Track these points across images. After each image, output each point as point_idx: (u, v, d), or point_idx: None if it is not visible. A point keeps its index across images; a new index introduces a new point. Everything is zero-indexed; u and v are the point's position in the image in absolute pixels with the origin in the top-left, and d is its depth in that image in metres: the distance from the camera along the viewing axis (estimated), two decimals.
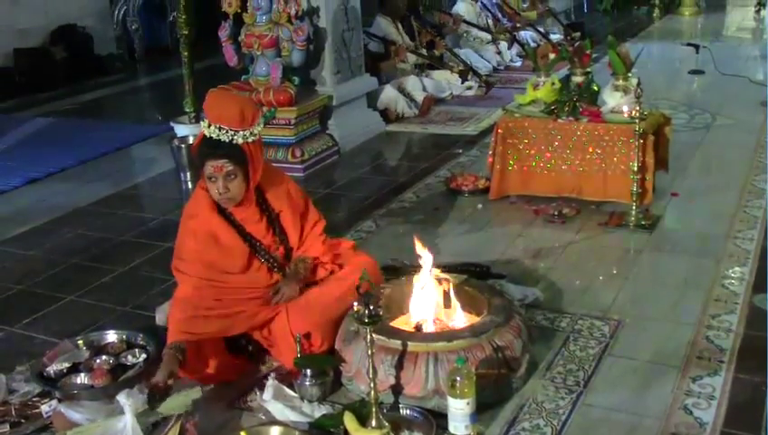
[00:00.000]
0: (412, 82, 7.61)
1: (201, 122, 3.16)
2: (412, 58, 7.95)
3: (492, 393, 2.89)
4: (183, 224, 3.30)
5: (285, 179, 3.44)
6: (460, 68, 8.20)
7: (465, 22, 9.29)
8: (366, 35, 7.60)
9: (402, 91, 7.43)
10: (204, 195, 3.22)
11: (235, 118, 3.07)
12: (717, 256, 4.09)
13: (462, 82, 8.10)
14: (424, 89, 7.63)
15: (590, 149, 4.75)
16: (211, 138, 3.08)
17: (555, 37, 9.98)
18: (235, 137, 3.06)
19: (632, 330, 3.43)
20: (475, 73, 8.31)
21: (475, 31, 9.41)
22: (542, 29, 10.38)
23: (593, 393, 2.99)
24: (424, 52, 8.12)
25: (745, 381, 3.00)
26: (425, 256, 3.20)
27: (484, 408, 2.81)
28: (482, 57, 9.10)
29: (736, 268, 3.94)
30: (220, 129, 3.06)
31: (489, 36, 9.52)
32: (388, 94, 7.25)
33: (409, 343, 2.93)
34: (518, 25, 10.12)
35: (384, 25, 7.89)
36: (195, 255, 3.21)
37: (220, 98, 3.24)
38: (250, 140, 3.10)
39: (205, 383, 3.07)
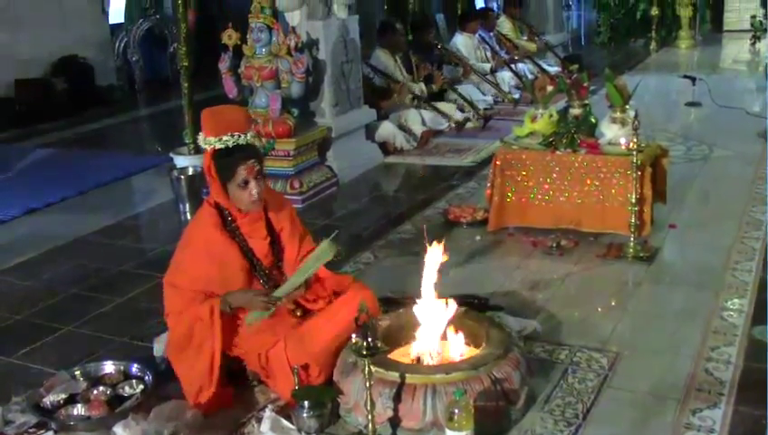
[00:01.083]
0: (412, 116, 7.64)
1: (206, 140, 3.18)
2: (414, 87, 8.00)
3: (490, 426, 2.87)
4: (185, 239, 3.31)
5: (288, 203, 3.53)
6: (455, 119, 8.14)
7: (471, 66, 9.31)
8: (371, 69, 7.66)
9: (401, 125, 7.47)
10: (211, 212, 3.25)
11: (241, 121, 3.21)
12: (716, 287, 4.09)
13: (459, 127, 8.04)
14: (423, 122, 7.67)
15: (588, 181, 4.77)
16: (227, 147, 3.13)
17: (553, 70, 10.05)
18: (248, 138, 3.17)
19: (631, 362, 3.42)
20: (473, 107, 8.35)
21: (473, 63, 9.46)
22: (539, 62, 10.45)
23: (592, 426, 2.98)
24: (422, 87, 8.14)
25: (745, 414, 2.99)
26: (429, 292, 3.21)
27: None
28: (481, 91, 9.14)
29: (735, 300, 3.94)
30: (232, 135, 3.13)
31: (487, 68, 9.58)
32: (387, 129, 7.28)
33: (407, 375, 2.92)
34: (515, 58, 10.19)
35: (383, 59, 7.95)
36: (195, 269, 3.20)
37: (219, 111, 3.32)
38: (256, 140, 3.22)
39: (204, 412, 3.07)
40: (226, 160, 3.14)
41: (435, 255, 3.22)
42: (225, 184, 3.18)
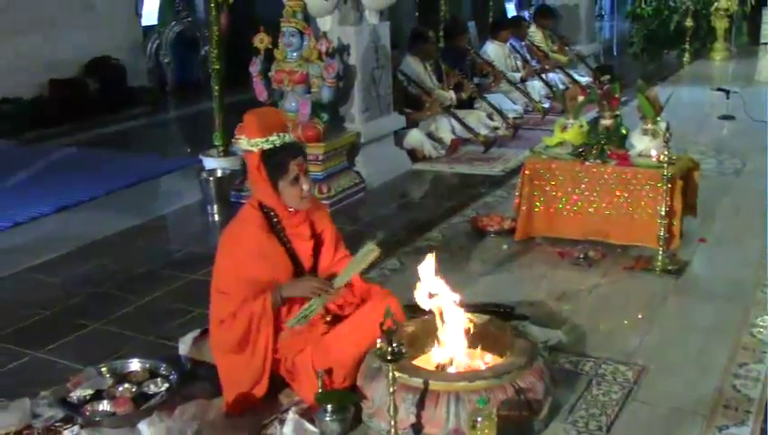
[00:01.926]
0: (442, 124, 7.63)
1: (252, 142, 3.20)
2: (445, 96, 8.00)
3: None
4: (230, 243, 3.27)
5: (323, 206, 3.56)
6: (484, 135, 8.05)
7: (503, 73, 9.27)
8: (405, 78, 7.67)
9: (430, 134, 7.47)
10: (256, 214, 3.25)
11: (283, 122, 3.31)
12: (745, 303, 4.04)
13: (484, 152, 7.88)
14: (453, 131, 7.66)
15: (618, 193, 4.74)
16: (275, 147, 3.17)
17: (584, 80, 10.00)
18: (292, 137, 3.28)
19: (657, 376, 3.39)
20: (502, 116, 8.33)
21: (507, 73, 9.44)
22: (571, 72, 10.41)
23: None
24: (452, 96, 8.11)
25: None
26: (449, 296, 3.20)
27: None
28: (511, 101, 9.11)
29: (765, 316, 3.88)
30: (279, 135, 3.19)
31: (518, 77, 9.56)
32: (415, 137, 7.28)
33: (431, 381, 2.92)
34: (546, 68, 10.15)
35: (413, 65, 7.94)
36: (244, 271, 3.19)
37: (263, 112, 3.43)
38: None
39: (236, 413, 3.10)
40: (276, 159, 3.17)
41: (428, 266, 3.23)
42: (274, 183, 3.20)
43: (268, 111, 3.51)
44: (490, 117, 8.29)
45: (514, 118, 8.57)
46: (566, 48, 10.99)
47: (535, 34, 10.64)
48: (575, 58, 11.03)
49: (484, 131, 7.85)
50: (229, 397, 3.18)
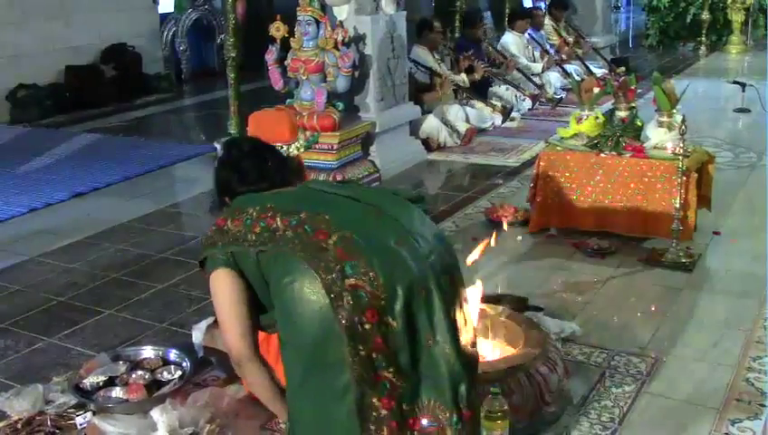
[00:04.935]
0: (455, 112, 7.62)
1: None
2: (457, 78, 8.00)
3: (526, 426, 2.86)
4: None
5: None
6: (501, 104, 8.14)
7: (515, 63, 9.26)
8: (414, 64, 7.65)
9: (445, 121, 7.45)
10: None
11: (285, 132, 3.51)
12: (759, 297, 4.03)
13: (503, 121, 8.04)
14: (467, 119, 7.65)
15: (632, 185, 4.72)
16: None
17: (599, 72, 9.95)
18: (291, 150, 3.35)
19: (670, 368, 3.38)
20: (519, 90, 8.34)
21: (524, 62, 9.41)
22: (588, 63, 10.36)
23: (628, 431, 2.95)
24: (464, 78, 8.11)
25: None
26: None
27: None
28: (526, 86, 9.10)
29: None
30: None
31: (539, 68, 9.53)
32: (431, 124, 7.28)
33: None
34: (564, 57, 10.10)
35: (422, 54, 7.92)
36: None
37: (264, 121, 3.38)
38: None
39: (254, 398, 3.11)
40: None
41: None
42: None
43: (272, 118, 3.51)
44: (504, 107, 8.29)
45: (529, 109, 8.58)
46: (581, 41, 10.94)
47: (547, 28, 10.58)
48: (590, 50, 10.97)
49: (498, 121, 7.85)
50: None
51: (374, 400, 2.28)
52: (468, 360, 2.41)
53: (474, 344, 2.50)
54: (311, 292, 2.31)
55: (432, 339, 2.33)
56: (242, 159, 2.84)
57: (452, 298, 2.41)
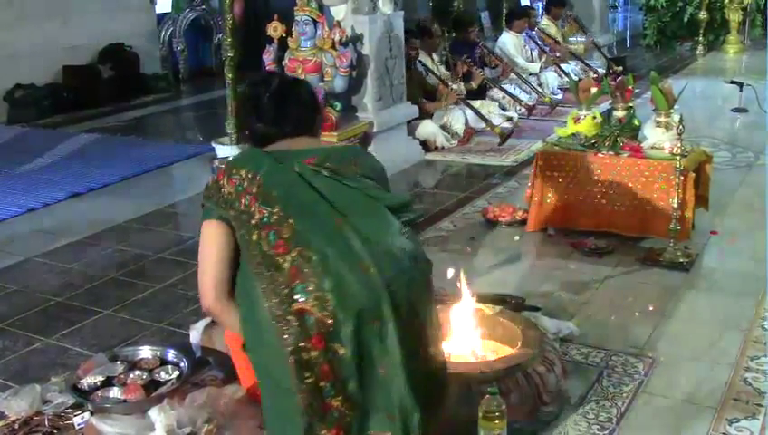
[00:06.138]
0: (455, 115, 7.61)
1: None
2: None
3: (523, 426, 2.87)
4: None
5: None
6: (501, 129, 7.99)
7: (512, 65, 9.23)
8: (424, 69, 7.65)
9: (443, 125, 7.45)
10: None
11: None
12: (757, 296, 4.03)
13: (500, 144, 7.74)
14: (466, 122, 7.64)
15: (630, 185, 4.72)
16: None
17: (600, 69, 9.96)
18: None
19: (667, 368, 3.39)
20: (516, 100, 8.33)
21: (522, 62, 9.40)
22: (589, 62, 10.36)
23: (626, 431, 2.95)
24: (461, 87, 8.08)
25: None
26: (464, 288, 3.21)
27: None
28: (523, 91, 9.07)
29: None
30: None
31: (536, 67, 9.53)
32: (427, 129, 7.27)
33: None
34: (558, 56, 10.10)
35: (421, 57, 7.91)
36: None
37: None
38: None
39: (252, 398, 3.10)
40: None
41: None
42: None
43: None
44: (503, 107, 8.28)
45: (527, 104, 8.57)
46: (585, 34, 10.92)
47: (549, 27, 10.57)
48: (591, 46, 10.96)
49: (496, 121, 7.83)
50: (247, 383, 3.17)
51: (323, 432, 2.26)
52: (428, 389, 2.35)
53: (441, 368, 2.46)
54: (260, 311, 2.29)
55: (384, 369, 2.26)
56: (263, 97, 2.72)
57: (412, 326, 2.32)
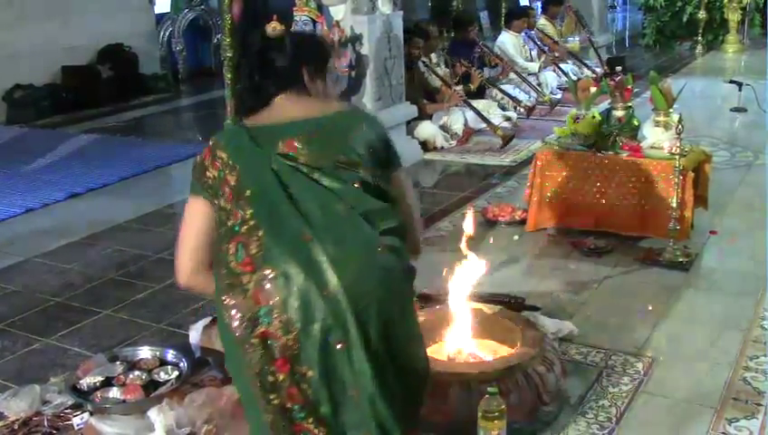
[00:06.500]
0: (455, 116, 7.60)
1: None
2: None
3: (523, 426, 2.87)
4: None
5: None
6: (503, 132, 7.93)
7: (512, 65, 9.22)
8: (427, 69, 7.64)
9: (443, 126, 7.45)
10: None
11: None
12: (756, 296, 4.03)
13: (502, 147, 7.45)
14: (465, 122, 7.63)
15: (629, 184, 4.72)
16: None
17: (598, 69, 9.95)
18: None
19: (667, 368, 3.39)
20: (516, 101, 8.33)
21: (521, 62, 9.40)
22: (586, 61, 10.35)
23: (626, 430, 2.96)
24: (460, 91, 8.07)
25: None
26: (456, 288, 3.21)
27: None
28: (523, 92, 9.06)
29: None
30: None
31: (536, 67, 9.52)
32: (427, 130, 7.26)
33: (442, 371, 2.92)
34: (557, 55, 10.09)
35: (423, 57, 7.90)
36: None
37: None
38: None
39: None
40: None
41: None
42: None
43: None
44: (502, 107, 8.28)
45: (527, 105, 8.57)
46: (584, 28, 10.91)
47: (546, 27, 10.56)
48: (587, 43, 10.94)
49: (496, 121, 7.82)
50: None
51: None
52: (407, 399, 2.24)
53: (422, 376, 2.34)
54: (225, 328, 2.19)
55: (357, 391, 2.14)
56: (248, 54, 2.48)
57: (388, 343, 2.16)
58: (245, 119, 2.39)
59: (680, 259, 4.46)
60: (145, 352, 3.46)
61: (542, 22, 10.60)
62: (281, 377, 2.11)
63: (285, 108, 2.35)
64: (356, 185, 2.23)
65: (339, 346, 2.10)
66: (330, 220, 2.18)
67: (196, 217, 2.32)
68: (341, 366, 2.11)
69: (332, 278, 2.10)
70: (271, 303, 2.10)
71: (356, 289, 2.11)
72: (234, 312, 2.13)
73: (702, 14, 13.28)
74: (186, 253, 2.34)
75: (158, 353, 3.44)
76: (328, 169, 2.22)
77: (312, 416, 2.14)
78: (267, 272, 2.11)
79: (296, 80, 2.38)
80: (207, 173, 2.27)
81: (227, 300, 2.14)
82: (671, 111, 4.84)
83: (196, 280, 2.36)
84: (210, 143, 2.32)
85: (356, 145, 2.28)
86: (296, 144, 2.23)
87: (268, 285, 2.10)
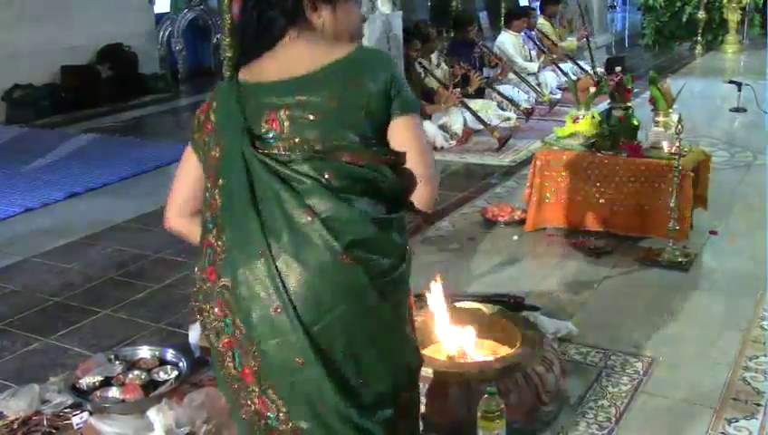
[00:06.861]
0: (454, 117, 7.60)
1: None
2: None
3: (522, 426, 2.87)
4: None
5: None
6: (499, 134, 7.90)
7: (511, 65, 9.22)
8: (424, 70, 7.64)
9: (442, 126, 7.45)
10: None
11: None
12: (756, 296, 4.03)
13: (498, 149, 7.40)
14: (465, 122, 7.63)
15: (629, 184, 4.72)
16: None
17: (595, 70, 9.95)
18: None
19: (666, 368, 3.39)
20: (514, 105, 8.32)
21: (520, 62, 9.39)
22: (581, 62, 10.35)
23: (625, 431, 2.96)
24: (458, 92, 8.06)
25: None
26: (438, 290, 3.22)
27: None
28: (522, 92, 9.06)
29: None
30: None
31: (535, 67, 9.52)
32: (427, 130, 7.25)
33: (441, 371, 2.92)
34: (555, 56, 10.09)
35: (420, 59, 7.90)
36: None
37: None
38: None
39: None
40: None
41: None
42: None
43: None
44: (501, 108, 8.29)
45: (526, 108, 8.56)
46: (584, 27, 10.91)
47: (543, 26, 10.56)
48: (583, 43, 10.93)
49: (495, 122, 7.82)
50: None
51: None
52: (385, 419, 2.07)
53: (410, 380, 2.18)
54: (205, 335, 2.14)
55: (329, 410, 1.99)
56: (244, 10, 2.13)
57: (358, 361, 2.01)
58: (242, 68, 2.11)
59: (680, 259, 4.46)
60: (144, 352, 3.46)
61: (540, 21, 10.61)
62: (250, 387, 2.03)
63: (274, 60, 2.05)
64: (327, 176, 1.94)
65: (298, 362, 1.96)
66: (289, 230, 1.95)
67: (185, 168, 2.27)
68: (309, 391, 1.98)
69: (284, 295, 1.93)
70: (230, 315, 1.99)
71: (312, 306, 1.94)
72: (208, 317, 2.06)
73: (701, 15, 13.29)
74: (173, 195, 2.34)
75: (157, 353, 3.44)
76: (299, 159, 1.95)
77: (286, 426, 2.03)
78: (227, 282, 1.98)
79: (296, 12, 2.04)
80: (200, 133, 2.13)
81: (204, 304, 2.06)
82: (671, 111, 4.84)
83: (179, 223, 2.35)
84: (209, 96, 2.16)
85: (346, 104, 1.98)
86: (281, 117, 1.97)
87: (228, 296, 1.98)
